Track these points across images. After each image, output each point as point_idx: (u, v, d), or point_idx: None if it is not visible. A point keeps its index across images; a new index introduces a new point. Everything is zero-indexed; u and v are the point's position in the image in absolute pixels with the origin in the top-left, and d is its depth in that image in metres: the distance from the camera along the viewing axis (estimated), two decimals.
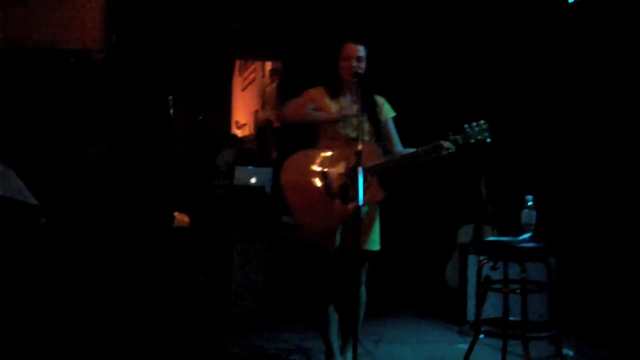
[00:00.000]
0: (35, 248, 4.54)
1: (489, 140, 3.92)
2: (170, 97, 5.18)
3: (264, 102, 10.03)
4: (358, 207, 3.60)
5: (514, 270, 4.33)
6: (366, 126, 4.10)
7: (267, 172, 6.63)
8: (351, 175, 3.91)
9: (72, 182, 5.40)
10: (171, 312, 5.48)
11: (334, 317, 4.16)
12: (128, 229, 5.83)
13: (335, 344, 4.20)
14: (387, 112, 4.22)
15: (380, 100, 4.24)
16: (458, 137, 3.91)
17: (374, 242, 4.14)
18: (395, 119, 4.24)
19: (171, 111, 5.19)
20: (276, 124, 9.10)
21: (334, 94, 4.16)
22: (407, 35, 6.79)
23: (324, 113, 4.10)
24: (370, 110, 4.15)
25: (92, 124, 5.52)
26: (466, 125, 3.92)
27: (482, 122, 3.93)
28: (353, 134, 3.98)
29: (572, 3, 4.84)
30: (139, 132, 5.73)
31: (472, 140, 3.90)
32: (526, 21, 6.12)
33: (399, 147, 4.17)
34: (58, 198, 5.25)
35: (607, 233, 5.53)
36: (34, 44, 5.16)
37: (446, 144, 3.89)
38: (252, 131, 10.17)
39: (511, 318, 4.34)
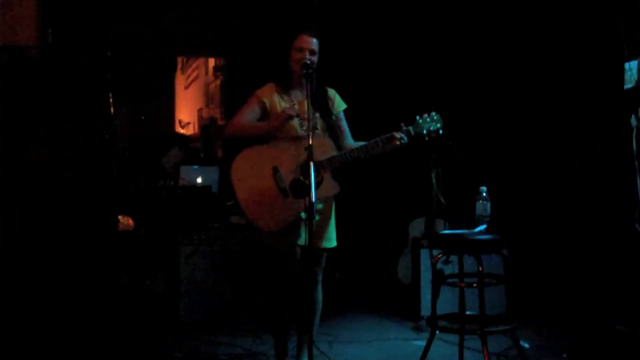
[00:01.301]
0: None
1: (441, 132, 3.89)
2: (111, 95, 4.95)
3: (208, 100, 9.86)
4: (311, 203, 3.46)
5: (467, 264, 4.27)
6: (318, 120, 3.98)
7: (213, 171, 6.49)
8: (303, 170, 3.78)
9: (10, 185, 5.15)
10: (115, 318, 5.31)
11: (286, 318, 4.04)
12: (70, 232, 5.60)
13: (286, 346, 4.09)
14: (339, 105, 4.13)
15: (331, 92, 4.13)
16: (410, 127, 3.87)
17: (331, 240, 4.04)
18: (345, 112, 4.14)
19: (111, 109, 4.97)
20: (221, 122, 8.95)
21: (285, 88, 4.02)
22: (359, 26, 6.67)
23: (266, 123, 3.95)
24: (322, 104, 4.03)
25: (29, 125, 5.26)
26: (418, 117, 3.89)
27: (433, 113, 3.89)
28: (303, 130, 3.86)
29: None
30: (78, 131, 5.48)
31: (424, 132, 3.87)
32: (477, 13, 6.09)
33: (350, 141, 4.08)
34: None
35: (561, 222, 5.53)
36: None
37: (398, 134, 3.84)
38: (196, 130, 9.99)
39: (468, 312, 4.28)
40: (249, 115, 3.97)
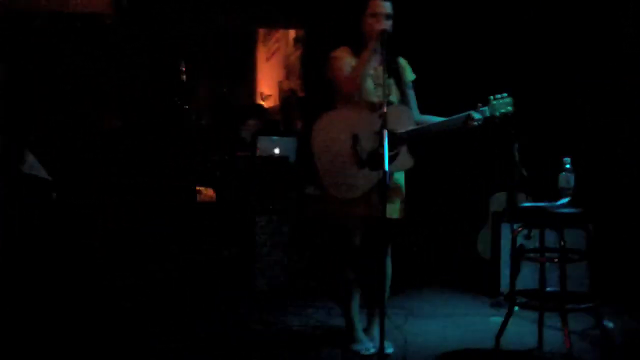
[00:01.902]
0: (47, 223, 4.40)
1: (510, 115, 3.84)
2: (182, 63, 4.96)
3: (288, 72, 9.83)
4: (385, 175, 3.38)
5: (550, 239, 4.11)
6: (393, 88, 3.89)
7: (291, 141, 6.46)
8: (381, 140, 3.69)
9: (87, 154, 5.25)
10: (194, 287, 5.37)
11: (357, 290, 3.98)
12: (149, 203, 5.68)
13: (357, 318, 4.04)
14: (409, 74, 4.04)
15: (402, 61, 4.05)
16: (486, 108, 3.81)
17: (399, 210, 3.95)
18: (413, 83, 4.07)
19: (183, 77, 4.98)
20: (300, 94, 8.93)
21: (359, 54, 3.92)
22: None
23: (365, 51, 3.81)
24: (396, 72, 3.95)
25: (104, 93, 5.34)
26: (491, 97, 3.83)
27: (505, 95, 3.83)
28: (377, 96, 3.77)
29: None
30: (153, 102, 5.52)
31: (497, 113, 3.82)
32: None
33: (416, 113, 3.99)
34: (73, 171, 5.11)
35: None
36: (39, 7, 4.94)
37: (476, 115, 3.78)
38: (277, 102, 10.00)
39: (548, 289, 4.13)
40: (348, 65, 3.89)
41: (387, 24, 3.82)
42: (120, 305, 4.87)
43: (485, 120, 3.81)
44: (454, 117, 3.80)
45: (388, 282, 3.98)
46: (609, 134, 5.59)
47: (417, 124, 3.86)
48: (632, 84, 5.47)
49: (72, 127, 5.25)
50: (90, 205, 5.31)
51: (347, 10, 4.18)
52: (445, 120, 3.83)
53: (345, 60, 3.89)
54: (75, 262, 5.09)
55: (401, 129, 3.75)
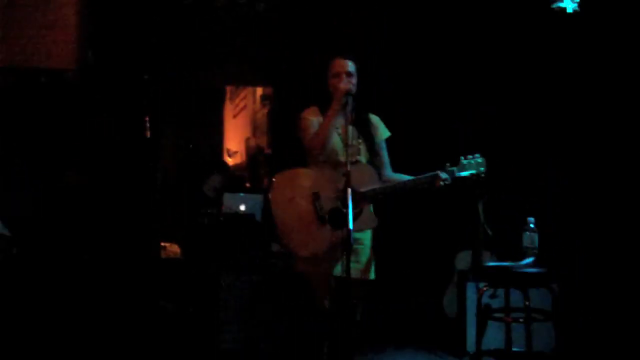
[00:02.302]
0: (7, 279, 4.29)
1: (483, 176, 3.85)
2: (147, 118, 4.95)
3: (255, 129, 9.85)
4: (349, 234, 3.36)
5: (515, 298, 4.11)
6: (362, 147, 3.90)
7: (257, 198, 6.42)
8: (343, 199, 3.68)
9: (49, 209, 5.16)
10: (158, 347, 5.24)
11: (325, 350, 3.91)
12: (111, 259, 5.58)
13: None
14: (382, 132, 4.04)
15: (375, 119, 4.04)
16: (455, 168, 3.83)
17: (368, 271, 3.92)
18: (386, 141, 4.07)
19: (147, 133, 4.96)
20: (267, 151, 8.94)
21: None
22: (402, 53, 6.58)
23: (329, 111, 3.82)
24: (365, 130, 3.95)
25: (67, 149, 5.28)
26: (462, 158, 3.85)
27: (477, 155, 3.86)
28: (344, 157, 3.78)
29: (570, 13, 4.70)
30: (114, 156, 5.47)
31: (468, 174, 3.83)
32: (522, 45, 5.95)
33: (389, 171, 4.00)
34: (33, 227, 5.02)
35: (615, 255, 5.30)
36: (2, 62, 4.92)
37: (443, 175, 3.79)
38: (244, 159, 10.00)
39: (514, 349, 4.11)
40: (314, 126, 3.89)
41: (350, 82, 3.84)
42: None
43: (454, 180, 3.81)
44: (421, 176, 3.80)
45: (355, 344, 3.92)
46: (573, 194, 5.65)
47: (386, 182, 3.86)
48: (597, 144, 5.54)
49: (34, 182, 5.17)
50: (52, 260, 5.20)
51: (314, 69, 4.21)
52: (411, 179, 3.83)
53: (311, 121, 3.91)
54: (36, 316, 4.96)
55: (364, 188, 3.74)
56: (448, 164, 3.82)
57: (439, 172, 3.79)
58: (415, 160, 4.01)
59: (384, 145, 4.04)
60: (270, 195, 3.81)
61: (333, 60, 3.90)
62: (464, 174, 3.81)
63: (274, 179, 3.89)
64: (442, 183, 3.76)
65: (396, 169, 4.03)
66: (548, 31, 5.67)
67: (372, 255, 3.93)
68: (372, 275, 3.92)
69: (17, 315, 4.62)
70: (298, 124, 3.96)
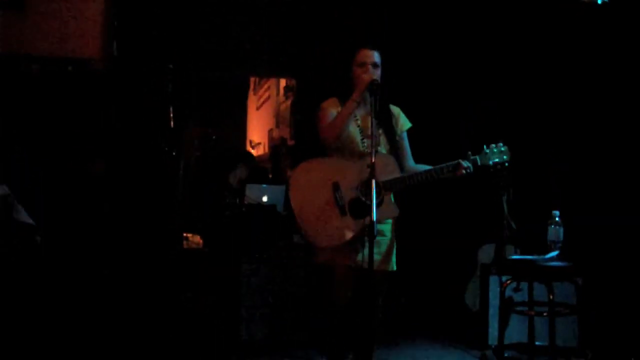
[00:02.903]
0: (30, 268, 4.32)
1: (507, 164, 3.82)
2: (171, 108, 4.95)
3: (278, 121, 9.86)
4: (372, 224, 3.33)
5: (539, 292, 4.07)
6: (382, 138, 3.86)
7: (279, 190, 6.42)
8: (364, 189, 3.66)
9: (72, 199, 5.19)
10: (179, 337, 5.27)
11: (340, 343, 3.89)
12: (134, 250, 5.61)
13: None
14: (403, 124, 4.01)
15: (395, 110, 4.03)
16: (477, 157, 3.80)
17: (389, 263, 3.88)
18: (408, 132, 4.04)
19: (171, 123, 4.97)
20: (290, 142, 8.93)
21: None
22: (427, 45, 6.53)
23: (349, 101, 3.81)
24: (386, 121, 3.92)
25: (92, 138, 5.31)
26: (485, 146, 3.83)
27: (501, 144, 3.83)
28: (364, 146, 3.76)
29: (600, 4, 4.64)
30: (141, 148, 5.49)
31: (491, 163, 3.81)
32: (552, 37, 5.88)
33: (411, 162, 3.97)
34: (57, 216, 5.05)
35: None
36: (29, 52, 4.95)
37: (465, 163, 3.76)
38: (266, 150, 10.01)
39: (537, 343, 4.08)
40: (332, 116, 3.88)
41: (375, 74, 3.82)
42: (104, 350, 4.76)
43: (477, 169, 3.78)
44: (443, 165, 3.77)
45: (376, 336, 3.90)
46: (598, 188, 5.59)
47: (407, 172, 3.83)
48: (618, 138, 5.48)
49: (59, 171, 5.21)
50: (75, 250, 5.24)
51: (338, 60, 4.19)
52: (432, 169, 3.79)
53: (330, 111, 3.89)
54: (61, 305, 5.00)
55: (385, 178, 3.72)
56: (470, 153, 3.80)
57: (460, 160, 3.76)
58: (434, 152, 3.97)
59: (405, 136, 4.02)
60: (289, 186, 3.79)
61: (359, 51, 3.88)
62: (489, 162, 3.79)
63: (293, 170, 3.87)
64: (464, 172, 3.73)
65: (417, 160, 4.00)
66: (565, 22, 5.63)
67: (393, 247, 3.91)
68: (393, 267, 3.89)
69: (41, 303, 4.66)
70: (316, 114, 3.95)
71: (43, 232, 4.32)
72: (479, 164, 3.78)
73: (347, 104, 3.80)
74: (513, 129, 4.33)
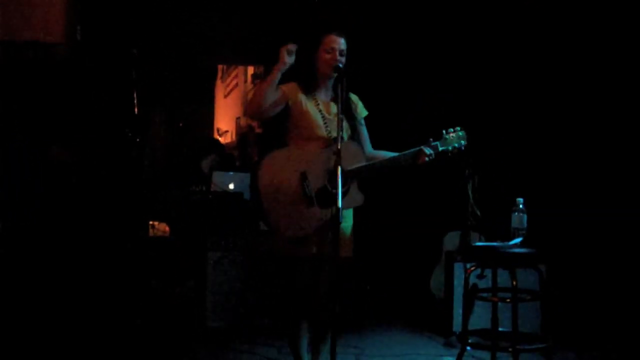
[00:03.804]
0: None
1: (463, 149, 3.84)
2: (135, 94, 4.89)
3: (245, 109, 9.84)
4: (337, 212, 3.33)
5: (502, 279, 4.12)
6: (345, 125, 3.85)
7: (246, 177, 6.41)
8: (331, 178, 3.65)
9: (34, 186, 5.12)
10: (146, 325, 5.22)
11: (304, 329, 3.90)
12: (99, 238, 5.55)
13: (305, 357, 3.93)
14: (362, 111, 4.01)
15: (354, 97, 4.01)
16: (438, 142, 3.81)
17: (349, 249, 3.88)
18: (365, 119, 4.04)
19: (135, 109, 4.91)
20: (258, 130, 8.91)
21: (309, 90, 3.89)
22: (384, 33, 6.54)
23: (267, 80, 3.69)
24: (347, 108, 3.91)
25: (55, 125, 5.24)
26: (444, 132, 3.83)
27: (458, 128, 3.84)
28: (327, 132, 3.75)
29: None
30: (101, 131, 5.43)
31: (450, 148, 3.82)
32: (514, 20, 5.92)
33: (369, 149, 3.95)
34: (19, 203, 4.99)
35: (603, 237, 5.31)
36: None
37: (428, 150, 3.77)
38: (234, 138, 9.99)
39: (500, 329, 4.12)
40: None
41: (341, 60, 3.81)
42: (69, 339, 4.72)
43: (438, 155, 3.79)
44: (406, 152, 3.77)
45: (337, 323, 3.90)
46: (563, 175, 5.66)
47: (369, 159, 3.84)
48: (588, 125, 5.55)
49: (20, 158, 5.13)
50: (37, 237, 5.17)
51: (305, 47, 4.16)
52: (396, 156, 3.80)
53: (282, 92, 3.79)
54: (19, 300, 4.94)
55: (351, 166, 3.71)
56: (431, 139, 3.80)
57: (423, 147, 3.77)
58: (399, 136, 3.98)
59: (363, 122, 4.00)
60: (257, 177, 3.75)
61: (327, 35, 3.85)
62: (448, 147, 3.80)
63: (261, 160, 3.83)
64: (427, 158, 3.75)
65: (378, 146, 4.00)
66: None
67: (352, 233, 3.92)
68: (351, 253, 3.89)
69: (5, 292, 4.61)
70: None
71: (3, 220, 4.26)
72: (440, 149, 3.79)
73: (273, 70, 3.69)
74: (470, 119, 4.34)
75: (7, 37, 4.86)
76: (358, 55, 3.88)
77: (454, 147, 3.81)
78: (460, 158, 3.98)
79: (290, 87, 3.87)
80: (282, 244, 3.76)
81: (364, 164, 3.76)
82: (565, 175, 5.66)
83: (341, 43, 3.84)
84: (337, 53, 3.80)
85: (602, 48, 5.49)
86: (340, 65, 3.77)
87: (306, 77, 3.88)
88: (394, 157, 3.80)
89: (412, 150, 3.77)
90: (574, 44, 5.63)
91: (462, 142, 3.82)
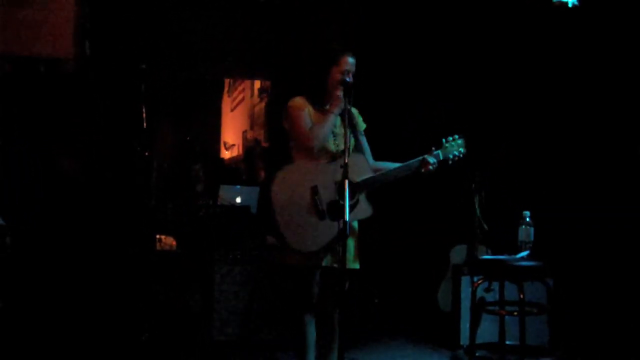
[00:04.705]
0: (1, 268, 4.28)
1: (462, 157, 3.88)
2: (144, 109, 4.93)
3: (252, 122, 9.86)
4: (345, 225, 3.35)
5: (510, 292, 4.12)
6: (351, 138, 3.88)
7: (253, 190, 6.42)
8: (340, 190, 3.68)
9: (44, 199, 5.15)
10: (153, 338, 5.23)
11: (312, 339, 3.90)
12: (107, 251, 5.57)
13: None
14: (361, 124, 4.05)
15: (354, 111, 4.04)
16: (439, 151, 3.86)
17: (356, 261, 3.91)
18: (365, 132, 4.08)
19: (144, 123, 4.95)
20: (264, 144, 8.93)
21: (318, 104, 3.92)
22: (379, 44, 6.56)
23: (328, 114, 3.83)
24: (350, 121, 3.93)
25: (64, 138, 5.28)
26: (444, 140, 3.88)
27: (457, 137, 3.89)
28: (335, 146, 3.79)
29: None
30: (110, 144, 5.46)
31: (450, 156, 3.86)
32: (521, 32, 5.93)
33: (371, 160, 3.97)
34: (28, 216, 5.01)
35: (611, 250, 5.30)
36: (1, 51, 4.91)
37: (431, 159, 3.82)
38: (240, 152, 10.00)
39: (508, 342, 4.11)
40: (307, 121, 3.85)
41: (351, 78, 3.86)
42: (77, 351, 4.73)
43: (440, 163, 3.83)
44: (409, 162, 3.82)
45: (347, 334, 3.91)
46: (569, 188, 5.65)
47: (374, 171, 3.87)
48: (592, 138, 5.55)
49: (30, 171, 5.16)
50: (46, 250, 5.19)
51: (312, 62, 4.18)
52: (401, 166, 3.84)
53: (304, 111, 3.87)
54: (29, 308, 4.96)
55: (359, 178, 3.74)
56: (434, 148, 3.85)
57: (426, 156, 3.81)
58: (397, 146, 4.01)
59: (363, 134, 4.04)
60: (271, 193, 3.77)
61: (343, 56, 3.87)
62: (449, 156, 3.84)
63: (273, 176, 3.85)
64: (430, 167, 3.78)
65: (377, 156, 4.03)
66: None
67: (357, 245, 3.93)
68: (357, 265, 3.91)
69: (10, 304, 4.62)
70: (287, 113, 3.92)
71: (13, 233, 4.28)
72: (441, 158, 3.83)
73: (329, 114, 3.81)
74: (471, 127, 4.35)
75: (18, 52, 4.90)
76: (359, 65, 3.91)
77: (455, 155, 3.85)
78: (465, 173, 4.00)
79: (301, 103, 3.91)
80: (295, 256, 3.78)
81: (371, 175, 3.79)
82: (572, 183, 5.65)
83: (354, 64, 3.88)
84: (351, 75, 3.85)
85: (603, 55, 5.49)
86: (348, 80, 3.81)
87: (316, 91, 3.91)
88: (398, 167, 3.85)
89: (415, 159, 3.82)
90: (574, 50, 5.64)
91: (462, 149, 3.86)
